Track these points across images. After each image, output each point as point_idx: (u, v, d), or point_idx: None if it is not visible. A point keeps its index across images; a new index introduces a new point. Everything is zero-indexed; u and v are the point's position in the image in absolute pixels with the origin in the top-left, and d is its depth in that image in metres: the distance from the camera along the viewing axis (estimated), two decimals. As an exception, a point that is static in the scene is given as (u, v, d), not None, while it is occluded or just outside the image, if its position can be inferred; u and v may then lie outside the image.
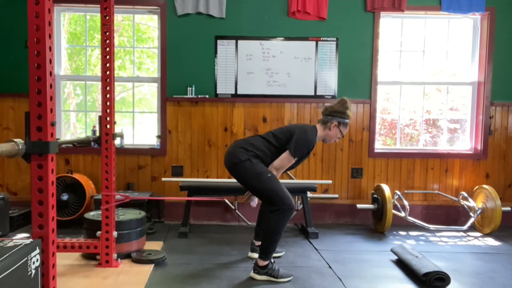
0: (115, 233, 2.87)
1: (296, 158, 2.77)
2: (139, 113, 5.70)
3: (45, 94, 1.50)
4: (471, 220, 3.95)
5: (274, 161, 2.79)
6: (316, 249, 3.40)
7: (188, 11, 4.13)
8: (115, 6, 3.85)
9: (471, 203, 4.02)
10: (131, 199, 3.11)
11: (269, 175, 2.71)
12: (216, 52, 4.20)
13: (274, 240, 2.68)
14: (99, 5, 3.38)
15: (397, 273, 2.89)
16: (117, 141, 4.16)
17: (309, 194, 4.13)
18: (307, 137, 2.77)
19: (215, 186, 3.86)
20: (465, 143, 4.50)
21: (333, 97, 4.23)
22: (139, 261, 2.96)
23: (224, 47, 4.19)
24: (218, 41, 4.19)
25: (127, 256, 3.03)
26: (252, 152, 2.75)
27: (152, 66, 5.78)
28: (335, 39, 4.22)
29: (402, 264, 3.01)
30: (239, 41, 4.18)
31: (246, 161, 2.71)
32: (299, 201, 4.20)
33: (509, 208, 3.98)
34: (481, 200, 4.03)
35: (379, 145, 4.56)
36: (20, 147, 1.46)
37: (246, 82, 4.21)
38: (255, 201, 3.07)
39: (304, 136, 2.77)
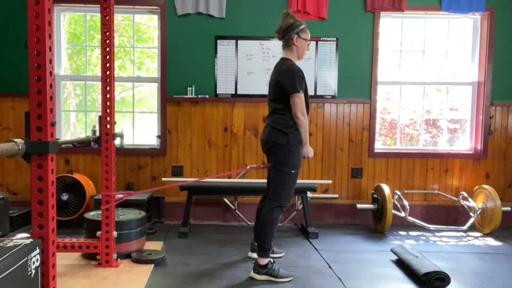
0: (115, 233, 2.87)
1: (301, 92, 2.68)
2: (139, 113, 5.70)
3: (45, 94, 1.50)
4: (471, 220, 3.95)
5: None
6: (316, 249, 3.40)
7: (188, 11, 4.12)
8: (115, 6, 3.85)
9: (471, 203, 4.02)
10: (131, 198, 3.11)
11: (293, 171, 2.71)
12: (216, 52, 4.20)
13: (268, 235, 2.71)
14: (99, 5, 3.38)
15: (397, 273, 2.89)
16: (117, 141, 4.16)
17: (309, 194, 4.13)
18: (288, 68, 2.72)
19: (215, 186, 3.86)
20: (465, 143, 4.50)
21: (333, 97, 4.23)
22: (139, 261, 2.96)
23: (224, 47, 4.19)
24: (218, 41, 4.19)
25: (127, 256, 3.03)
26: (287, 130, 2.69)
27: (152, 66, 5.78)
28: (335, 39, 4.22)
29: (402, 264, 3.01)
30: (239, 41, 4.18)
31: (286, 145, 2.69)
32: (299, 201, 4.20)
33: (509, 208, 3.98)
34: (481, 200, 4.03)
35: (379, 145, 4.56)
36: (20, 147, 1.46)
37: (246, 82, 4.21)
38: None
39: (286, 70, 2.71)
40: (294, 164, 2.72)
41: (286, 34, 2.79)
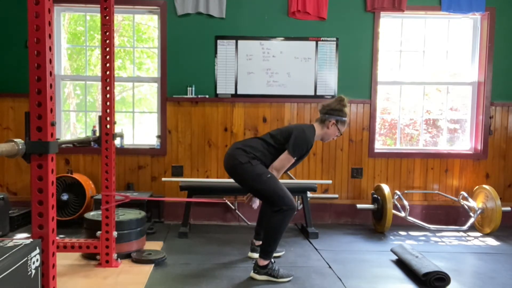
0: (115, 233, 2.87)
1: (295, 158, 2.77)
2: (139, 113, 5.70)
3: (45, 94, 1.50)
4: (471, 220, 3.95)
5: (273, 162, 2.79)
6: (316, 249, 3.39)
7: (188, 11, 4.13)
8: (115, 6, 3.84)
9: (471, 203, 4.02)
10: (131, 199, 3.11)
11: (269, 175, 2.71)
12: (216, 52, 4.20)
13: (275, 239, 2.68)
14: (99, 5, 3.37)
15: (397, 273, 2.89)
16: (117, 141, 4.16)
17: (309, 194, 4.13)
18: (305, 136, 2.77)
19: (215, 186, 3.85)
20: (465, 143, 4.50)
21: (333, 97, 4.23)
22: (139, 261, 2.96)
23: (224, 47, 4.19)
24: (218, 41, 4.19)
25: (127, 256, 3.03)
26: (251, 154, 2.75)
27: (152, 66, 5.78)
28: (335, 39, 4.22)
29: (402, 264, 3.01)
30: (239, 41, 4.18)
31: (246, 163, 2.71)
32: (299, 201, 4.20)
33: (509, 208, 3.98)
34: (481, 200, 4.03)
35: (379, 145, 4.56)
36: (20, 147, 1.46)
37: (246, 82, 4.21)
38: (256, 203, 3.06)
39: (302, 135, 2.77)
40: (263, 171, 2.72)
41: (328, 114, 2.85)
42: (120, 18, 6.22)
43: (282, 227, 2.67)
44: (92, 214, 3.15)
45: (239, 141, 2.94)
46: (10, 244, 1.43)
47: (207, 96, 4.19)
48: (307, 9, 4.13)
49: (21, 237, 3.48)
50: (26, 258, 1.39)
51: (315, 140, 2.89)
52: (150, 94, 6.35)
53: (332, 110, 2.85)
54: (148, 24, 5.51)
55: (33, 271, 1.44)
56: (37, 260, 1.47)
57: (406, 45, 4.42)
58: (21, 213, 3.80)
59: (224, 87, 4.21)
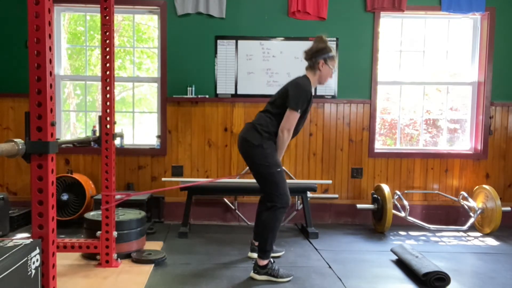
0: (115, 233, 2.87)
1: (299, 111, 2.70)
2: (139, 113, 5.70)
3: (45, 94, 1.50)
4: (471, 220, 3.95)
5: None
6: (316, 249, 3.40)
7: (188, 11, 4.13)
8: (115, 6, 3.85)
9: (471, 203, 4.02)
10: (131, 198, 3.11)
11: (279, 169, 2.71)
12: (216, 52, 4.20)
13: (269, 237, 2.70)
14: (99, 5, 3.38)
15: (397, 273, 2.89)
16: (117, 141, 4.16)
17: (309, 194, 4.13)
18: (302, 86, 2.73)
19: (215, 186, 3.85)
20: (465, 143, 4.50)
21: (333, 97, 4.23)
22: (139, 261, 2.96)
23: (224, 47, 4.19)
24: (218, 41, 4.19)
25: (127, 256, 3.03)
26: (264, 133, 2.71)
27: (152, 66, 5.78)
28: (335, 39, 4.22)
29: (402, 264, 3.01)
30: (239, 41, 4.18)
31: (259, 146, 2.69)
32: (299, 201, 4.20)
33: (509, 208, 3.98)
34: (481, 200, 4.03)
35: (379, 145, 4.56)
36: (20, 147, 1.46)
37: (246, 82, 4.21)
38: None
39: (298, 87, 2.73)
40: (275, 162, 2.71)
41: (314, 57, 2.81)
42: (120, 18, 6.23)
43: (276, 225, 2.70)
44: (92, 214, 3.15)
45: (249, 122, 2.89)
46: (10, 244, 1.43)
47: (207, 96, 4.19)
48: (307, 9, 4.13)
49: (21, 237, 3.48)
50: (26, 258, 1.39)
51: (314, 86, 2.85)
52: (150, 94, 6.35)
53: (316, 52, 2.80)
54: (148, 24, 5.52)
55: (33, 271, 1.44)
56: (37, 260, 1.47)
57: (406, 45, 4.42)
58: (21, 213, 3.80)
59: (224, 87, 4.21)
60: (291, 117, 2.70)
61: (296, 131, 2.81)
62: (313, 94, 2.77)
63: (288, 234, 3.87)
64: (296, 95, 2.69)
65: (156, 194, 4.23)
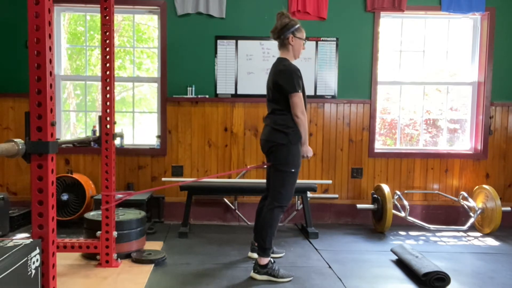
0: (115, 233, 2.87)
1: (299, 91, 2.69)
2: (139, 113, 5.70)
3: (45, 94, 1.50)
4: (471, 220, 3.95)
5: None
6: (316, 249, 3.39)
7: (188, 11, 4.12)
8: (115, 6, 3.85)
9: (471, 203, 4.02)
10: (131, 198, 3.11)
11: (293, 170, 2.71)
12: (216, 52, 4.20)
13: (268, 235, 2.71)
14: (99, 5, 3.38)
15: (397, 273, 2.89)
16: (117, 141, 4.16)
17: (309, 194, 4.13)
18: (285, 68, 2.71)
19: (215, 186, 3.85)
20: (465, 143, 4.50)
21: (333, 97, 4.23)
22: (139, 261, 2.96)
23: (224, 47, 4.19)
24: (218, 41, 4.19)
25: (127, 256, 3.03)
26: (288, 130, 2.69)
27: (152, 66, 5.78)
28: (335, 39, 4.22)
29: (402, 264, 3.01)
30: (239, 41, 4.18)
31: (285, 145, 2.69)
32: (299, 201, 4.20)
33: (509, 208, 3.98)
34: (481, 200, 4.03)
35: (379, 145, 4.56)
36: (20, 147, 1.46)
37: (246, 82, 4.21)
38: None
39: (283, 70, 2.70)
40: (294, 163, 2.72)
41: (282, 34, 2.78)
42: (120, 18, 6.23)
43: (274, 223, 2.72)
44: (92, 214, 3.15)
45: (266, 124, 2.86)
46: (10, 244, 1.43)
47: (207, 96, 4.19)
48: (307, 9, 4.13)
49: (21, 237, 3.48)
50: (26, 258, 1.39)
51: (292, 62, 2.83)
52: (150, 94, 6.35)
53: (282, 29, 2.78)
54: (148, 24, 5.52)
55: (33, 271, 1.44)
56: (37, 260, 1.47)
57: (406, 45, 4.42)
58: (21, 213, 3.80)
59: (224, 87, 4.21)
60: (297, 100, 2.68)
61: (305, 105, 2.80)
62: (299, 69, 2.75)
63: (288, 234, 3.87)
64: (288, 79, 2.68)
65: (156, 194, 4.23)
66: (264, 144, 2.82)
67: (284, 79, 2.68)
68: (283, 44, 2.81)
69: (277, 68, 2.76)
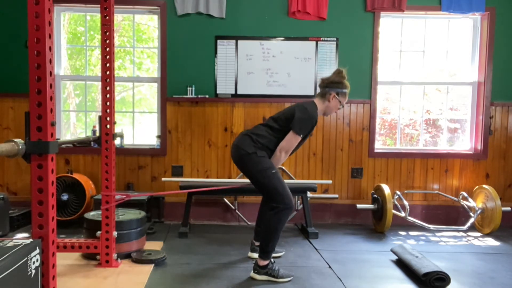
0: (115, 233, 2.87)
1: (301, 136, 2.74)
2: (139, 113, 5.70)
3: (45, 94, 1.50)
4: (471, 220, 3.95)
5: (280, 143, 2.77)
6: (316, 249, 3.40)
7: (188, 11, 4.12)
8: (115, 6, 3.85)
9: (471, 203, 4.02)
10: (131, 198, 3.11)
11: (274, 171, 2.71)
12: (216, 52, 4.20)
13: (273, 238, 2.68)
14: (99, 5, 3.38)
15: (397, 273, 2.89)
16: (117, 141, 4.16)
17: (309, 194, 4.13)
18: (309, 112, 2.75)
19: (215, 186, 3.85)
20: (465, 143, 4.50)
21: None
22: (139, 261, 2.96)
23: (224, 47, 4.19)
24: (218, 41, 4.19)
25: (127, 256, 3.03)
26: (258, 144, 2.74)
27: (152, 66, 5.78)
28: (335, 39, 4.22)
29: (402, 264, 3.01)
30: (239, 41, 4.18)
31: (252, 154, 2.71)
32: (299, 201, 4.20)
33: (509, 208, 3.98)
34: (481, 200, 4.03)
35: (379, 145, 4.56)
36: (20, 147, 1.46)
37: (246, 82, 4.21)
38: None
39: (305, 112, 2.74)
40: (269, 165, 2.72)
41: (328, 87, 2.84)
42: (120, 18, 6.23)
43: (280, 226, 2.68)
44: (92, 214, 3.15)
45: (244, 130, 2.93)
46: (10, 244, 1.43)
47: (207, 96, 4.19)
48: (307, 9, 4.13)
49: (21, 237, 3.48)
50: (26, 258, 1.39)
51: (320, 114, 2.87)
52: (150, 94, 6.36)
53: (332, 83, 2.84)
54: (148, 24, 5.52)
55: (33, 271, 1.44)
56: (37, 260, 1.47)
57: (406, 45, 4.42)
58: (21, 213, 3.80)
59: (224, 87, 4.21)
60: (293, 140, 2.74)
61: (293, 151, 2.85)
62: (317, 121, 2.81)
63: (288, 234, 3.87)
64: (302, 120, 2.72)
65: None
66: (234, 151, 2.80)
67: (300, 117, 2.73)
68: (323, 95, 2.87)
69: (304, 106, 2.80)
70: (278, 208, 2.67)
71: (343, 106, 2.91)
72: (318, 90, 2.95)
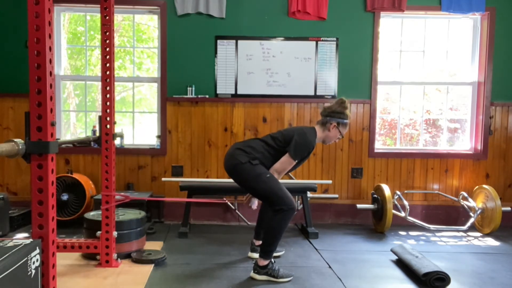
0: (115, 233, 2.87)
1: (296, 161, 2.77)
2: (139, 113, 5.70)
3: (45, 94, 1.50)
4: (471, 220, 3.95)
5: (274, 164, 2.79)
6: (316, 249, 3.39)
7: (188, 11, 4.12)
8: (115, 6, 3.85)
9: (471, 203, 4.02)
10: (131, 200, 3.11)
11: (268, 175, 2.71)
12: (216, 52, 4.20)
13: (275, 240, 2.68)
14: (99, 5, 3.38)
15: (397, 273, 2.89)
16: (117, 141, 4.16)
17: (309, 194, 4.13)
18: (307, 139, 2.77)
19: (215, 186, 3.85)
20: (465, 143, 4.50)
21: (333, 97, 4.23)
22: (139, 261, 2.96)
23: (224, 47, 4.19)
24: (218, 41, 4.19)
25: (127, 256, 3.03)
26: (251, 155, 2.75)
27: (152, 66, 5.78)
28: (335, 39, 4.22)
29: (402, 264, 3.01)
30: (239, 41, 4.18)
31: (245, 163, 2.72)
32: (299, 201, 4.20)
33: (509, 208, 3.98)
34: (481, 200, 4.03)
35: (379, 145, 4.56)
36: (20, 147, 1.46)
37: (246, 82, 4.21)
38: (255, 204, 3.08)
39: (303, 138, 2.76)
40: (263, 171, 2.72)
41: (329, 116, 2.85)
42: (120, 18, 6.23)
43: (282, 227, 2.67)
44: (92, 214, 3.15)
45: (239, 141, 2.94)
46: (10, 244, 1.43)
47: (207, 96, 4.19)
48: (307, 9, 4.13)
49: (21, 237, 3.48)
50: (26, 258, 1.39)
51: (317, 142, 2.89)
52: (150, 94, 6.36)
53: (333, 113, 2.84)
54: (148, 24, 5.52)
55: (33, 271, 1.44)
56: (37, 260, 1.47)
57: (406, 45, 4.42)
58: (21, 213, 3.80)
59: (224, 87, 4.21)
60: (287, 163, 2.76)
61: (289, 170, 2.87)
62: (314, 147, 2.83)
63: (288, 234, 3.87)
64: (299, 145, 2.73)
65: (156, 194, 4.23)
66: (227, 161, 2.81)
67: (297, 142, 2.74)
68: (323, 124, 2.88)
69: (304, 129, 2.82)
70: (282, 210, 2.65)
71: (342, 137, 2.93)
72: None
